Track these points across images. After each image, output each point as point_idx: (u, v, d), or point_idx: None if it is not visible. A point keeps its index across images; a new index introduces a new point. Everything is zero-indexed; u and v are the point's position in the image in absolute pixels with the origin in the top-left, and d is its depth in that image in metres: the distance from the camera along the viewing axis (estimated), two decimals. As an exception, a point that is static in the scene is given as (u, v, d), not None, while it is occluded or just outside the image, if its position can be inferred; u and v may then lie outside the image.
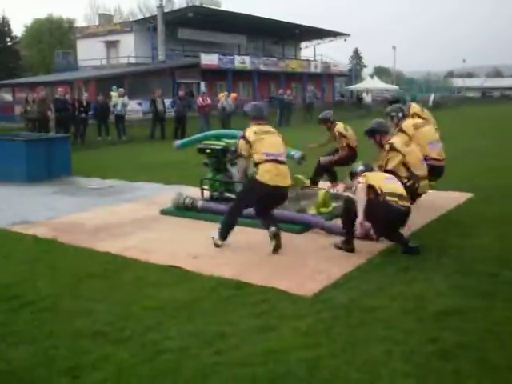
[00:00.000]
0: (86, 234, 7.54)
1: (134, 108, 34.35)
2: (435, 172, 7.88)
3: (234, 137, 9.25)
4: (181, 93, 24.62)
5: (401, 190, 6.40)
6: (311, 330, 4.33)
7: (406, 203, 6.33)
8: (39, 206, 9.64)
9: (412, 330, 4.29)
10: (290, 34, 58.71)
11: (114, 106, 23.04)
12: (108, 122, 23.05)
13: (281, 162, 6.61)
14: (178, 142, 10.50)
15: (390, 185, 6.39)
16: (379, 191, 6.25)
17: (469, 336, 4.18)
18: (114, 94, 24.82)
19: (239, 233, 7.30)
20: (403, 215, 6.29)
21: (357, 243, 6.56)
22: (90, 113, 22.14)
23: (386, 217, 6.18)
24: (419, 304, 4.79)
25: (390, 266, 5.82)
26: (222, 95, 27.29)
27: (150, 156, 16.49)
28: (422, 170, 7.32)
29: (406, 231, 6.66)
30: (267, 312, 4.68)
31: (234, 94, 28.08)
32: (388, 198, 6.20)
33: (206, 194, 9.19)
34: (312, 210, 8.06)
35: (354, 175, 6.83)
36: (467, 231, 7.23)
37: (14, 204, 9.84)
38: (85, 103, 21.81)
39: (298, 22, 55.19)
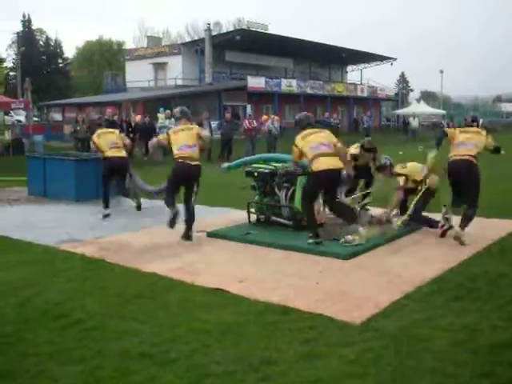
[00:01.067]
0: (133, 254, 7.60)
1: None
2: None
3: (281, 160, 9.28)
4: (227, 115, 24.81)
5: None
6: (359, 358, 4.25)
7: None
8: (87, 225, 9.78)
9: (464, 362, 4.17)
10: (337, 58, 58.76)
11: (160, 128, 23.32)
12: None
13: (325, 154, 7.82)
14: (226, 165, 10.53)
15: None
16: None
17: (523, 371, 4.06)
18: (160, 115, 25.15)
19: (286, 258, 7.31)
20: None
21: (405, 271, 6.49)
22: (137, 134, 22.49)
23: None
24: (471, 336, 4.65)
25: (439, 296, 5.70)
26: (265, 118, 27.41)
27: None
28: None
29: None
30: (314, 339, 4.62)
31: (276, 117, 28.16)
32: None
33: (253, 217, 9.23)
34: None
35: (383, 168, 9.33)
36: (519, 261, 7.05)
37: (63, 223, 9.99)
38: (133, 124, 22.14)
39: (344, 46, 55.18)
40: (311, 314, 5.23)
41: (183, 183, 8.59)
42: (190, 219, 8.47)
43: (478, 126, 9.63)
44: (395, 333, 4.73)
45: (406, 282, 6.16)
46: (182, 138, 8.50)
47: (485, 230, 8.74)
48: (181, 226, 8.45)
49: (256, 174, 9.18)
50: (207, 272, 6.67)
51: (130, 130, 21.68)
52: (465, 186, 8.17)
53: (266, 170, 9.09)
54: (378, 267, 6.82)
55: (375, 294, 5.78)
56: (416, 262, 7.05)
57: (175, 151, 8.45)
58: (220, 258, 7.37)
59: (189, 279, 6.36)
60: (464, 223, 8.01)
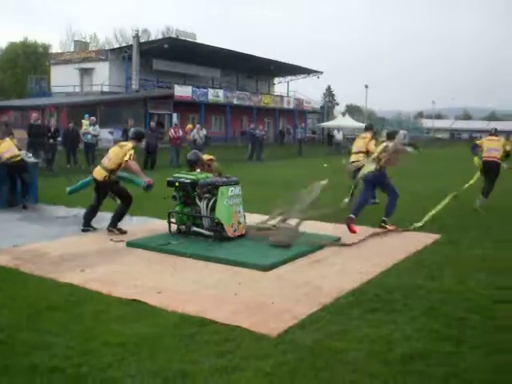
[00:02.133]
0: (49, 264, 7.36)
1: (106, 137, 34.15)
2: None
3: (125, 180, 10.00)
4: (152, 124, 24.61)
5: None
6: (275, 371, 4.23)
7: None
8: (2, 233, 9.43)
9: (377, 373, 4.22)
10: (264, 69, 59.34)
11: (84, 134, 22.88)
12: (77, 149, 22.86)
13: None
14: (68, 189, 10.71)
15: None
16: None
17: (433, 381, 4.14)
18: (85, 122, 24.68)
19: (205, 268, 7.25)
20: None
21: (324, 283, 6.56)
22: (58, 139, 21.94)
23: None
24: (385, 347, 4.72)
25: (356, 307, 5.77)
26: (189, 127, 27.40)
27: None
28: None
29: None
30: (231, 351, 4.57)
31: (189, 125, 28.15)
32: None
33: (174, 227, 9.13)
34: None
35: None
36: (434, 273, 7.21)
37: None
38: (52, 129, 21.60)
39: (272, 58, 55.72)
40: (228, 325, 5.18)
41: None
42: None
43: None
44: (311, 345, 4.74)
45: (324, 294, 6.20)
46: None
47: (402, 243, 8.95)
48: (97, 236, 8.27)
49: (177, 183, 9.09)
50: (125, 283, 6.52)
51: (50, 134, 21.11)
52: None
53: (188, 180, 9.01)
54: (298, 279, 6.84)
55: (293, 306, 5.79)
56: (335, 274, 7.12)
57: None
58: (139, 269, 7.22)
59: (105, 290, 6.20)
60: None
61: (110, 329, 5.06)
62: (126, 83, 47.40)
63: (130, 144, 9.67)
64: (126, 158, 9.26)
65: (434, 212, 11.10)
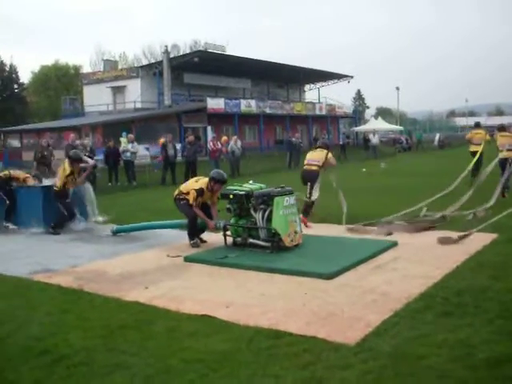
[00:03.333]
0: (111, 283, 7.42)
1: (142, 153, 34.49)
2: None
3: (174, 226, 10.42)
4: (190, 137, 24.69)
5: None
6: (361, 380, 4.19)
7: None
8: (59, 253, 9.54)
9: (466, 378, 4.15)
10: (294, 77, 59.29)
11: (123, 152, 23.11)
12: (118, 167, 23.12)
13: None
14: (114, 228, 10.96)
15: None
16: None
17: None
18: (123, 139, 24.94)
19: (268, 280, 7.24)
20: None
21: (390, 289, 6.50)
22: (95, 158, 22.17)
23: None
24: (466, 351, 4.63)
25: (428, 312, 5.69)
26: (225, 139, 27.59)
27: (163, 201, 16.39)
28: None
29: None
30: (312, 363, 4.54)
31: (225, 137, 28.29)
32: None
33: (230, 240, 9.16)
34: None
35: None
36: (498, 273, 7.09)
37: (33, 252, 9.74)
38: (88, 148, 21.85)
39: (301, 65, 55.70)
40: (304, 336, 5.15)
41: None
42: None
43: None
44: (391, 352, 4.68)
45: (392, 300, 6.14)
46: None
47: (461, 244, 8.84)
48: (152, 252, 8.32)
49: (231, 195, 9.11)
50: (191, 298, 6.54)
51: (86, 154, 21.32)
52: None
53: (242, 192, 9.03)
54: (362, 286, 6.79)
55: (365, 313, 5.74)
56: (399, 279, 7.04)
57: None
58: (201, 283, 7.24)
59: (173, 307, 6.22)
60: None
61: (185, 345, 5.06)
62: (159, 99, 47.77)
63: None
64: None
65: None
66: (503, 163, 14.92)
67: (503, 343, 4.80)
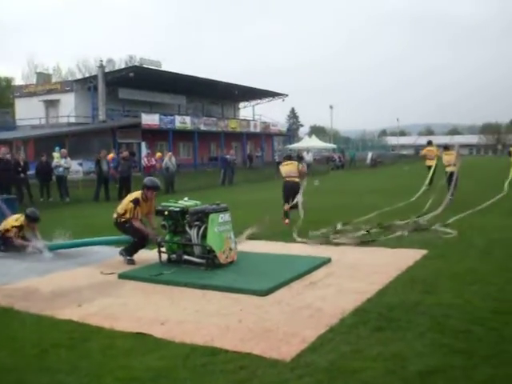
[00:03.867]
0: (43, 301, 7.23)
1: (75, 168, 33.92)
2: None
3: (107, 243, 10.38)
4: (125, 153, 24.45)
5: None
6: (297, 396, 4.22)
7: None
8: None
9: (399, 392, 4.24)
10: (229, 94, 59.63)
11: (56, 167, 22.65)
12: (51, 183, 22.64)
13: None
14: (47, 245, 10.59)
15: None
16: None
17: (455, 396, 4.17)
18: (56, 154, 24.47)
19: (203, 297, 7.21)
20: None
21: (325, 304, 6.57)
22: (28, 173, 21.70)
23: None
24: (400, 364, 4.74)
25: (363, 326, 5.78)
26: (159, 155, 27.53)
27: (97, 217, 16.19)
28: None
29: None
30: (248, 379, 4.53)
31: (159, 153, 28.26)
32: None
33: (164, 256, 9.08)
34: None
35: None
36: (429, 288, 7.28)
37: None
38: (22, 163, 21.37)
39: (237, 82, 56.07)
40: (240, 353, 5.14)
41: None
42: None
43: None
44: (327, 367, 4.73)
45: (327, 315, 6.20)
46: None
47: (393, 260, 9.03)
48: (86, 270, 8.18)
49: (166, 212, 9.05)
50: (125, 316, 6.44)
51: (20, 169, 20.86)
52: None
53: (177, 209, 8.99)
54: (298, 302, 6.84)
55: (300, 329, 5.78)
56: (333, 295, 7.13)
57: None
58: (136, 301, 7.14)
59: (107, 324, 6.11)
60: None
61: (120, 364, 4.97)
62: (93, 113, 47.21)
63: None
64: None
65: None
66: (449, 177, 18.04)
67: (435, 356, 4.94)
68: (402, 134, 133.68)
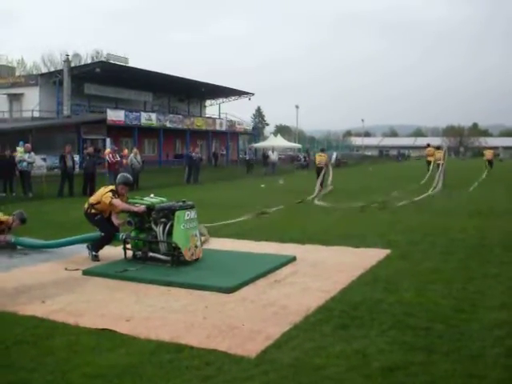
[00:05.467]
0: (6, 297, 7.14)
1: (39, 163, 33.46)
2: None
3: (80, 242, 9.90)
4: (90, 149, 24.23)
5: None
6: (262, 392, 4.28)
7: None
8: None
9: (361, 387, 4.34)
10: (196, 92, 59.48)
11: (19, 161, 22.33)
12: (14, 178, 22.31)
13: None
14: (13, 239, 10.38)
15: None
16: None
17: (415, 392, 4.27)
18: (20, 149, 24.11)
19: (168, 294, 7.22)
20: None
21: (290, 302, 6.65)
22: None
23: None
24: (363, 361, 4.84)
25: (326, 324, 5.87)
26: (125, 151, 27.36)
27: (61, 214, 16.04)
28: None
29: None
30: (214, 375, 4.58)
31: (126, 150, 28.06)
32: None
33: (130, 253, 9.07)
34: None
35: None
36: (391, 287, 7.42)
37: None
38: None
39: (203, 80, 55.91)
40: (205, 350, 5.18)
41: None
42: None
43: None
44: (291, 363, 4.81)
45: (292, 313, 6.29)
46: None
47: (357, 259, 9.16)
48: (50, 266, 8.12)
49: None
50: (90, 312, 6.43)
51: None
52: None
53: (143, 206, 8.98)
54: (263, 299, 6.91)
55: (265, 326, 5.84)
56: (298, 293, 7.22)
57: None
58: (101, 297, 7.12)
59: (72, 321, 6.08)
60: None
61: (86, 360, 4.96)
62: (58, 108, 46.60)
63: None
64: None
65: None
66: (437, 167, 28.02)
67: (396, 352, 5.05)
68: (367, 134, 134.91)
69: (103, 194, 9.35)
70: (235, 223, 13.46)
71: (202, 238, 10.36)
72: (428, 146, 39.50)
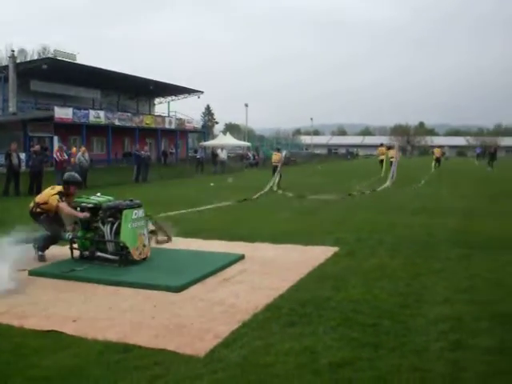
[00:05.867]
0: None
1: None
2: None
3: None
4: (37, 147, 23.80)
5: None
6: (210, 391, 4.28)
7: None
8: None
9: (310, 383, 4.38)
10: (145, 90, 58.96)
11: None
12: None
13: None
14: None
15: None
16: None
17: (362, 386, 4.34)
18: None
19: (116, 294, 7.16)
20: None
21: (238, 301, 6.66)
22: None
23: None
24: (311, 358, 4.89)
25: (275, 322, 5.91)
26: (74, 150, 26.98)
27: (5, 213, 15.68)
28: None
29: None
30: (162, 375, 4.56)
31: (83, 148, 27.66)
32: None
33: (76, 253, 8.94)
34: None
35: None
36: (339, 284, 7.50)
37: None
38: None
39: (152, 78, 55.49)
40: (153, 349, 5.16)
41: None
42: None
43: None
44: (240, 362, 4.82)
45: (240, 311, 6.30)
46: None
47: (305, 257, 9.23)
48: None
49: (78, 208, 8.91)
50: (36, 314, 6.31)
51: None
52: None
53: (90, 205, 8.86)
54: (212, 298, 6.91)
55: (213, 325, 5.84)
56: (246, 291, 7.23)
57: None
58: (47, 298, 6.99)
59: (17, 323, 5.96)
60: None
61: (31, 363, 4.87)
62: (3, 105, 45.55)
63: None
64: None
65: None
66: (390, 164, 30.02)
67: (344, 349, 5.12)
68: (316, 133, 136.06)
69: (50, 195, 9.18)
70: (184, 220, 13.39)
71: (165, 238, 10.52)
72: (381, 145, 41.97)
